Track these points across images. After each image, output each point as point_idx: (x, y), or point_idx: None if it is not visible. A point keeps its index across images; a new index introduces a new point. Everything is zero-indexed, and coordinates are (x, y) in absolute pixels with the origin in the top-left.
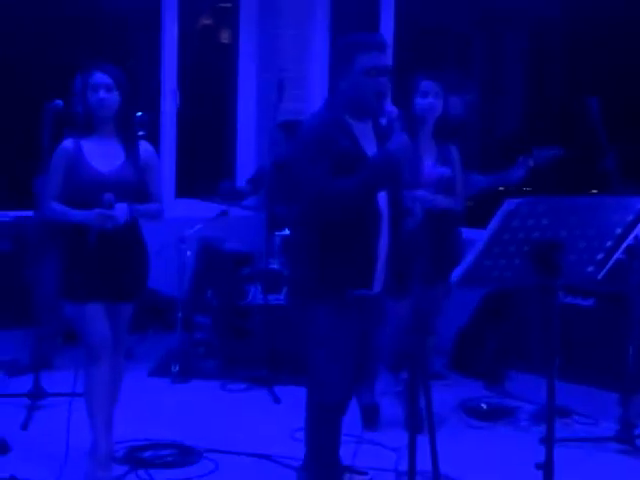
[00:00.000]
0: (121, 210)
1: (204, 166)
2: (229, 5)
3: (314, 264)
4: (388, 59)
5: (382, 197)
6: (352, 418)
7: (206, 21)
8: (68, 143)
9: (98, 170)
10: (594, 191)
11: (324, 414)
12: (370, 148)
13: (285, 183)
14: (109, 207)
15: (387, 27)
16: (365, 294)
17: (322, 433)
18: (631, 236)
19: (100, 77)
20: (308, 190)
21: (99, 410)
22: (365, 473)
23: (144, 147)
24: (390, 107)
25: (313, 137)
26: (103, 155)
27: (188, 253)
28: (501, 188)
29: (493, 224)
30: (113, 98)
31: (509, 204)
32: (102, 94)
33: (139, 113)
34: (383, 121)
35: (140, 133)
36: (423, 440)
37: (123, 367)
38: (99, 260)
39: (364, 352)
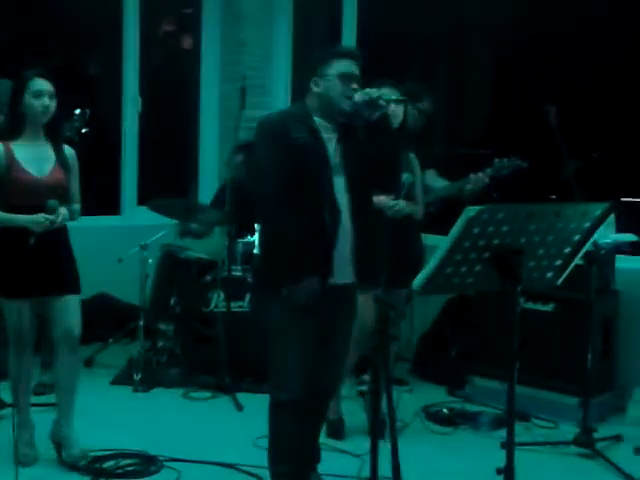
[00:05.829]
0: (63, 214)
1: (166, 172)
2: (191, 11)
3: (268, 253)
4: (358, 71)
5: (340, 191)
6: None
7: (168, 27)
8: None
9: (32, 174)
10: (553, 197)
11: (281, 411)
12: (330, 145)
13: (243, 200)
14: (52, 212)
15: (349, 34)
16: (324, 284)
17: (280, 433)
18: (589, 242)
19: (44, 84)
20: (261, 180)
21: (22, 394)
22: None
23: (67, 150)
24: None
25: (265, 129)
26: (36, 159)
27: (150, 260)
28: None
29: (454, 231)
30: (53, 105)
31: (469, 211)
32: (47, 101)
33: (77, 110)
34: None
35: (83, 130)
36: (385, 446)
37: (74, 363)
38: (32, 259)
39: (335, 351)
